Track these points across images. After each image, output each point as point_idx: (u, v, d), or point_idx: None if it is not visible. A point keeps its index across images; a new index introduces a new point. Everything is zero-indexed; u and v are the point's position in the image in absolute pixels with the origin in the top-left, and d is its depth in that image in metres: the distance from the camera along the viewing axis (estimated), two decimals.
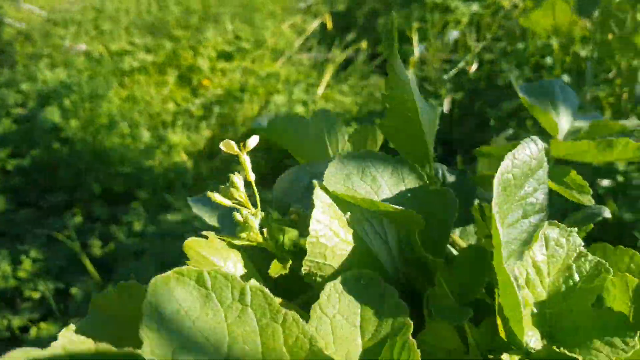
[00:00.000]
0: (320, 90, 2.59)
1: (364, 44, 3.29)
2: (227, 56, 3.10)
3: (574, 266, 0.40)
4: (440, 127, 1.90)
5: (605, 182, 1.36)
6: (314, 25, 3.90)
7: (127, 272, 1.30)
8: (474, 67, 2.47)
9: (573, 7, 1.60)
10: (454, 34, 1.72)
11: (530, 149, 0.40)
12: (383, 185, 0.44)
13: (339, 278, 0.38)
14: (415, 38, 2.90)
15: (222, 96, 2.57)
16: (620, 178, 1.38)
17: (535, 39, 2.36)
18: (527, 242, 0.38)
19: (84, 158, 1.74)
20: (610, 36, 1.57)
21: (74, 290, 1.34)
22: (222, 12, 4.01)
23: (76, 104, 1.94)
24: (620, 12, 1.40)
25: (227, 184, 0.43)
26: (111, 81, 2.33)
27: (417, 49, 1.72)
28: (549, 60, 2.18)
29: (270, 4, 4.53)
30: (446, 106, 2.08)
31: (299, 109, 2.19)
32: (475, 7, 3.30)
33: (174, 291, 0.32)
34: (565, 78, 1.82)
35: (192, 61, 2.89)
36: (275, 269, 0.41)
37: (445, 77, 2.05)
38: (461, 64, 2.33)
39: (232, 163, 1.90)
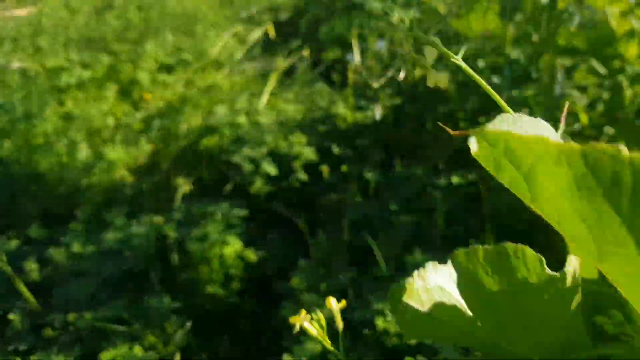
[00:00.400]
0: (264, 99, 2.59)
1: (306, 52, 3.31)
2: (168, 68, 3.07)
3: None
4: (380, 132, 1.94)
5: None
6: (257, 34, 3.90)
7: (65, 294, 1.27)
8: (402, 75, 2.51)
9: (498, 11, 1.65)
10: (380, 44, 1.75)
11: None
12: None
13: None
14: (355, 44, 2.94)
15: (164, 109, 2.54)
16: None
17: (469, 42, 2.42)
18: None
19: (20, 180, 1.70)
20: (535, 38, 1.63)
21: (11, 316, 1.30)
22: (162, 25, 3.96)
23: (9, 125, 1.89)
24: (538, 14, 1.45)
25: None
26: (47, 99, 2.27)
27: (357, 55, 1.75)
28: (481, 63, 2.25)
29: (212, 15, 4.50)
30: (378, 111, 2.11)
31: (242, 119, 2.18)
32: (413, 14, 3.37)
33: None
34: (495, 80, 1.88)
35: (132, 75, 2.84)
36: None
37: (376, 84, 2.08)
38: (391, 71, 2.37)
39: (174, 177, 1.88)
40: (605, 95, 1.54)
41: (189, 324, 1.34)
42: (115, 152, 2.08)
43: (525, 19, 1.56)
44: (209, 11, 4.68)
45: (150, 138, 2.22)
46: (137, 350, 1.12)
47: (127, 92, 2.78)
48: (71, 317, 1.18)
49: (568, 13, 1.54)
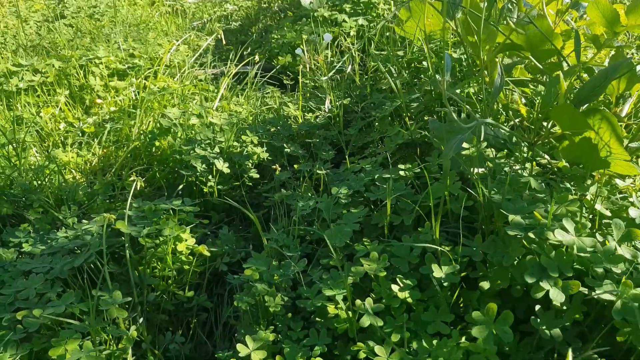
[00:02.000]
0: (216, 103, 2.55)
1: (257, 57, 3.29)
2: (120, 74, 2.99)
3: None
4: (330, 131, 1.93)
5: (479, 170, 1.43)
6: (209, 41, 3.86)
7: (14, 292, 1.21)
8: (348, 70, 2.54)
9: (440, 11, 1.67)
10: (327, 37, 1.74)
11: None
12: None
13: None
14: (305, 50, 2.92)
15: (116, 113, 2.47)
16: (490, 165, 1.45)
17: (413, 45, 2.45)
18: None
19: None
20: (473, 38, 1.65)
21: None
22: (114, 32, 3.87)
23: None
24: (479, 12, 1.47)
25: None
26: None
27: (306, 60, 1.74)
28: (425, 64, 2.28)
29: (164, 24, 4.43)
30: (327, 107, 2.11)
31: (194, 120, 2.14)
32: (361, 21, 3.40)
33: None
34: (438, 77, 1.90)
35: (83, 80, 2.76)
36: None
37: (324, 80, 2.08)
38: (333, 70, 2.39)
39: (127, 178, 1.82)
40: (542, 88, 1.57)
41: (141, 320, 1.29)
42: (67, 155, 2.01)
43: (465, 17, 1.58)
44: (161, 20, 4.60)
45: (102, 141, 2.16)
46: (88, 345, 1.07)
47: (78, 97, 2.69)
48: (19, 315, 1.12)
49: (506, 10, 1.57)
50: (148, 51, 3.29)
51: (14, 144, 1.90)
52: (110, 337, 1.18)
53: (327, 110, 2.19)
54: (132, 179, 1.54)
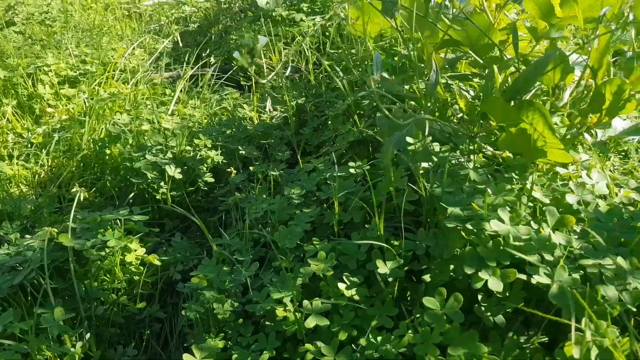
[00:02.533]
0: (172, 106, 2.54)
1: (213, 59, 3.28)
2: (71, 81, 2.94)
3: None
4: (285, 131, 1.93)
5: (424, 164, 1.45)
6: (165, 44, 3.82)
7: None
8: (286, 71, 2.55)
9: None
10: (263, 40, 1.75)
11: None
12: None
13: None
14: (261, 52, 2.92)
15: (67, 122, 2.44)
16: (435, 159, 1.47)
17: (365, 43, 2.47)
18: None
19: None
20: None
21: None
22: (66, 39, 3.81)
23: None
24: (420, 10, 1.50)
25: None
26: None
27: (243, 62, 1.74)
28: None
29: (119, 28, 4.37)
30: (268, 105, 2.13)
31: (145, 126, 2.12)
32: (318, 19, 3.41)
33: None
34: (386, 75, 1.92)
35: (32, 89, 2.71)
36: None
37: (264, 81, 2.09)
38: (276, 69, 2.40)
39: (72, 192, 1.80)
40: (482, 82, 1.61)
41: (88, 335, 1.28)
42: (12, 169, 1.98)
43: (407, 15, 1.60)
44: (115, 24, 4.54)
45: (50, 152, 2.13)
46: None
47: (27, 106, 2.65)
48: None
49: (443, 7, 1.60)
50: (101, 56, 3.25)
51: None
52: (54, 355, 1.17)
53: (269, 111, 2.20)
54: (74, 190, 1.52)
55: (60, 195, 1.81)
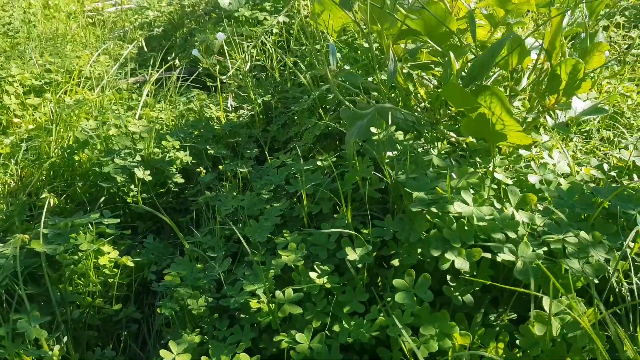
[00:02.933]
0: (139, 110, 2.52)
1: (178, 61, 3.26)
2: (37, 91, 2.90)
3: None
4: (253, 129, 1.93)
5: (390, 153, 1.47)
6: (129, 49, 3.78)
7: None
8: (249, 68, 2.57)
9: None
10: (220, 36, 1.75)
11: None
12: None
13: None
14: (226, 52, 2.92)
15: (34, 131, 2.40)
16: (399, 147, 1.49)
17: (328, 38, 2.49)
18: None
19: None
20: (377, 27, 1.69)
21: None
22: (30, 49, 3.74)
23: None
24: (377, 2, 1.51)
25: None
26: None
27: (202, 60, 1.74)
28: (338, 55, 2.32)
29: (82, 36, 4.31)
30: (230, 101, 2.13)
31: (112, 130, 2.10)
32: (281, 18, 3.41)
33: None
34: (347, 67, 1.94)
35: None
36: None
37: (224, 77, 2.09)
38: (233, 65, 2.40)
39: (42, 198, 1.78)
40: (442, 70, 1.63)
41: (65, 338, 1.27)
42: None
43: (365, 7, 1.62)
44: (79, 32, 4.48)
45: (18, 161, 2.09)
46: None
47: None
48: None
49: None
50: (65, 65, 3.21)
51: None
52: (33, 359, 1.16)
53: (231, 107, 2.20)
54: (44, 196, 1.51)
55: (30, 203, 1.78)
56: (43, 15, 4.85)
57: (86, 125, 2.09)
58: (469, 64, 1.57)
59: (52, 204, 1.49)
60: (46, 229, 1.42)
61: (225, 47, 3.08)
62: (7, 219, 1.70)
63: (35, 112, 2.71)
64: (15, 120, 2.62)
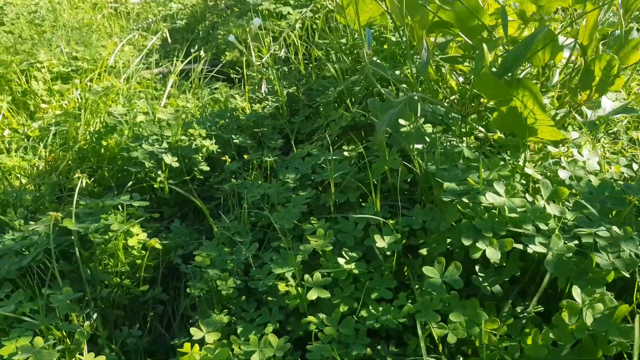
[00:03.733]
0: (164, 100, 2.54)
1: (202, 53, 3.28)
2: (64, 78, 2.94)
3: None
4: (278, 120, 1.95)
5: (418, 146, 1.48)
6: (153, 40, 3.82)
7: None
8: (282, 53, 2.57)
9: None
10: (257, 21, 1.76)
11: None
12: None
13: None
14: (251, 45, 2.93)
15: (61, 117, 2.43)
16: (427, 139, 1.50)
17: (354, 32, 2.49)
18: None
19: None
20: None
21: None
22: (56, 37, 3.79)
23: None
24: None
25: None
26: None
27: (239, 46, 1.75)
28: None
29: (107, 26, 4.36)
30: (263, 87, 2.14)
31: (141, 117, 2.12)
32: (305, 11, 3.42)
33: None
34: (377, 61, 1.94)
35: (25, 86, 2.70)
36: None
37: (257, 64, 2.10)
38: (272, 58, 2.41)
39: (74, 178, 1.80)
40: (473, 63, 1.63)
41: (95, 316, 1.29)
42: (11, 161, 1.98)
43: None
44: (104, 22, 4.53)
45: (47, 144, 2.12)
46: (38, 342, 1.07)
47: (22, 102, 2.64)
48: None
49: None
50: (91, 53, 3.24)
51: None
52: (64, 333, 1.18)
53: (264, 93, 2.21)
54: (76, 176, 1.53)
55: (60, 184, 1.81)
56: (69, 4, 4.91)
57: (114, 110, 2.12)
58: (500, 59, 1.57)
59: (84, 184, 1.51)
60: (77, 209, 1.45)
61: (250, 40, 3.09)
62: (37, 199, 1.72)
63: (61, 99, 2.75)
64: (43, 105, 2.66)
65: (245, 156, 2.01)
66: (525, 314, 1.18)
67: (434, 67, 1.62)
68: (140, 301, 1.47)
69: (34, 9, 4.62)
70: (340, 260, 1.19)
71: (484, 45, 1.31)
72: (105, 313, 1.38)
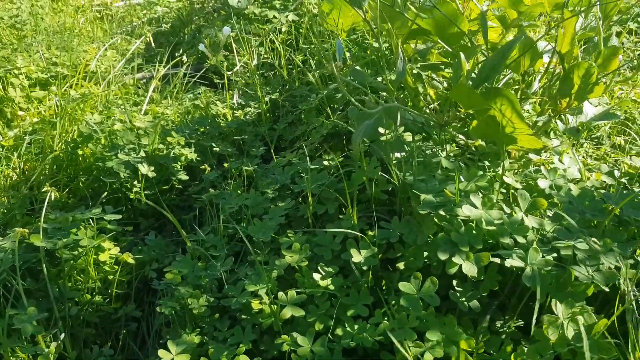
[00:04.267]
0: (144, 106, 2.50)
1: (185, 58, 3.24)
2: (42, 84, 2.89)
3: None
4: (260, 127, 1.92)
5: (397, 155, 1.45)
6: (137, 45, 3.77)
7: None
8: (254, 63, 2.54)
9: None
10: (226, 30, 1.73)
11: None
12: None
13: None
14: (235, 49, 2.90)
15: (38, 124, 2.39)
16: (407, 148, 1.47)
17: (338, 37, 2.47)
18: None
19: None
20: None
21: None
22: (37, 42, 3.73)
23: None
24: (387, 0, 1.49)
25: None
26: None
27: (208, 54, 1.72)
28: (347, 55, 2.29)
29: (90, 30, 4.31)
30: (236, 97, 2.10)
31: (117, 125, 2.08)
32: (291, 16, 3.39)
33: None
34: (358, 67, 1.91)
35: (2, 93, 2.65)
36: None
37: (230, 74, 2.07)
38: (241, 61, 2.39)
39: (43, 192, 1.76)
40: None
41: (62, 335, 1.26)
42: None
43: (376, 6, 1.60)
44: (87, 26, 4.47)
45: (21, 154, 2.08)
46: None
47: None
48: None
49: None
50: (72, 58, 3.20)
51: None
52: (28, 356, 1.14)
53: (235, 103, 2.18)
54: (45, 189, 1.49)
55: (32, 196, 1.77)
56: (51, 8, 4.85)
57: (91, 119, 2.08)
58: (479, 66, 1.55)
59: (53, 198, 1.48)
60: (46, 224, 1.41)
61: (233, 45, 3.06)
62: (8, 212, 1.68)
63: (40, 106, 2.70)
64: (20, 113, 2.61)
65: (225, 164, 1.98)
66: (505, 329, 1.15)
67: (413, 75, 1.59)
68: (112, 319, 1.43)
69: (15, 12, 4.56)
70: (316, 276, 1.16)
71: (461, 54, 1.28)
72: (75, 332, 1.34)
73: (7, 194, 1.88)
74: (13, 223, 1.63)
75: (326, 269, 1.18)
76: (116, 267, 1.46)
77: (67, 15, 4.76)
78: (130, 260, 1.47)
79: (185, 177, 1.97)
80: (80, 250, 1.37)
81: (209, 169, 1.98)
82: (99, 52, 3.36)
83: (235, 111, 2.41)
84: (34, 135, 2.29)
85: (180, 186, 1.99)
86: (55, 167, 2.05)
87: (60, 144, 2.13)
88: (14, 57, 3.24)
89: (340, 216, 1.32)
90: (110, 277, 1.44)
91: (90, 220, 1.47)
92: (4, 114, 2.62)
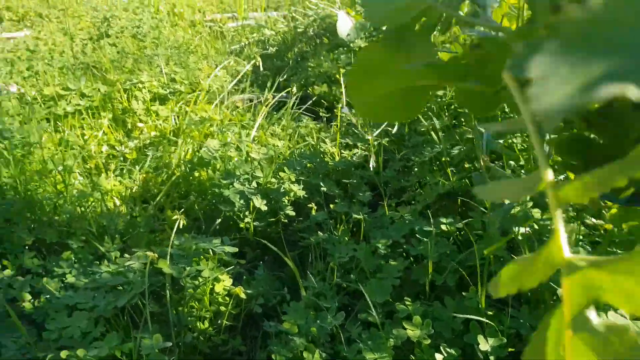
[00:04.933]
0: (253, 132, 2.56)
1: (294, 87, 3.31)
2: (161, 99, 3.02)
3: None
4: (367, 171, 1.91)
5: (522, 230, 1.40)
6: (247, 67, 3.89)
7: (59, 328, 1.21)
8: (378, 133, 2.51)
9: None
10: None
11: None
12: None
13: None
14: (342, 82, 2.93)
15: (156, 138, 2.49)
16: (535, 226, 1.42)
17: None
18: None
19: (15, 207, 1.63)
20: None
21: (3, 350, 1.23)
22: (156, 54, 3.92)
23: (7, 151, 1.82)
24: None
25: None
26: (44, 126, 2.21)
27: (344, 93, 1.73)
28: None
29: (204, 47, 4.49)
30: (372, 162, 2.09)
31: (233, 153, 2.14)
32: None
33: None
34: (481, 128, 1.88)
35: (126, 104, 2.79)
36: None
37: (343, 112, 2.07)
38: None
39: (166, 207, 1.83)
40: None
41: None
42: (109, 182, 2.02)
43: None
44: (200, 43, 4.66)
45: (144, 168, 2.17)
46: None
47: (121, 120, 2.73)
48: (64, 354, 1.12)
49: None
50: (188, 76, 3.33)
51: (61, 169, 1.91)
52: None
53: (372, 167, 2.17)
54: (175, 217, 1.54)
55: (155, 215, 1.83)
56: (169, 21, 5.10)
57: (210, 145, 2.14)
58: None
59: (181, 226, 1.52)
60: (172, 249, 1.45)
61: (340, 78, 3.09)
62: (131, 226, 1.75)
63: (157, 119, 2.83)
64: (139, 124, 2.74)
65: (332, 206, 1.98)
66: None
67: None
68: (220, 350, 1.45)
69: (137, 23, 4.82)
70: (438, 357, 1.13)
71: None
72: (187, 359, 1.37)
73: (127, 206, 1.96)
74: (135, 239, 1.69)
75: (448, 350, 1.15)
76: (228, 299, 1.48)
77: (183, 30, 4.99)
78: (242, 295, 1.49)
79: (293, 213, 1.99)
80: (201, 280, 1.40)
81: (315, 207, 2.00)
82: (213, 72, 3.48)
83: (342, 151, 2.42)
84: (151, 147, 2.40)
85: (286, 220, 2.01)
86: (172, 183, 2.13)
87: (178, 162, 2.21)
88: (136, 68, 3.42)
89: (464, 293, 1.28)
90: (222, 308, 1.47)
91: (211, 250, 1.50)
92: (125, 124, 2.76)
